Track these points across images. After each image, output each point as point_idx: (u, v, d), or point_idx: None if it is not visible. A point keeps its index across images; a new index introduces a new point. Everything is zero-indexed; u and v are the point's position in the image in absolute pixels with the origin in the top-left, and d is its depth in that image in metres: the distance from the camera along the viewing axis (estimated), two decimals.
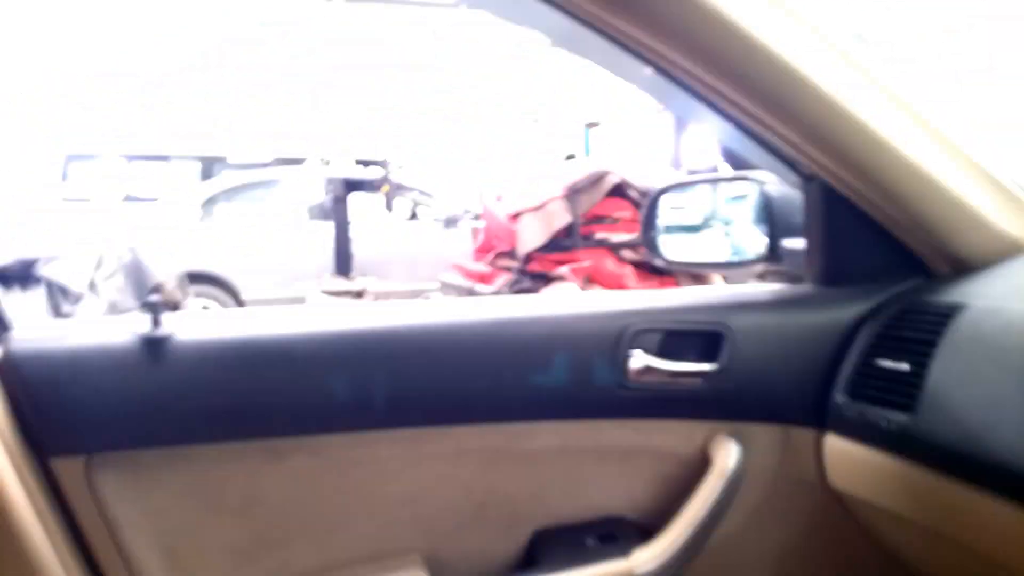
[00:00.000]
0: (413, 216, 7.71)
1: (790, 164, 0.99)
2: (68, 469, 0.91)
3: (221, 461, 0.97)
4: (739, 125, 0.92)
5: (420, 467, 1.03)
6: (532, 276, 4.70)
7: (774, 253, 1.12)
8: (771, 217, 1.12)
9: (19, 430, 0.87)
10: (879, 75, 0.85)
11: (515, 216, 4.80)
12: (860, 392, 0.93)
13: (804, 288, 1.06)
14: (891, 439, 0.87)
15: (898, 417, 0.85)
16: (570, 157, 10.37)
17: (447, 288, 5.47)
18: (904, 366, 0.87)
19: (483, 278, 5.07)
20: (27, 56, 13.05)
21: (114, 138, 10.81)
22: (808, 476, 1.03)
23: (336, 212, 6.63)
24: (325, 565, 1.02)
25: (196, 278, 6.04)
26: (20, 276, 3.72)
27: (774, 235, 1.12)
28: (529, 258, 4.68)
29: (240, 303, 6.53)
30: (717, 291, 1.11)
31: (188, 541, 0.98)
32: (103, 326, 0.97)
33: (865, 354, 0.95)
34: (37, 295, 3.70)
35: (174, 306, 4.40)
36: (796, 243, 1.08)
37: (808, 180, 1.00)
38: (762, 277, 1.30)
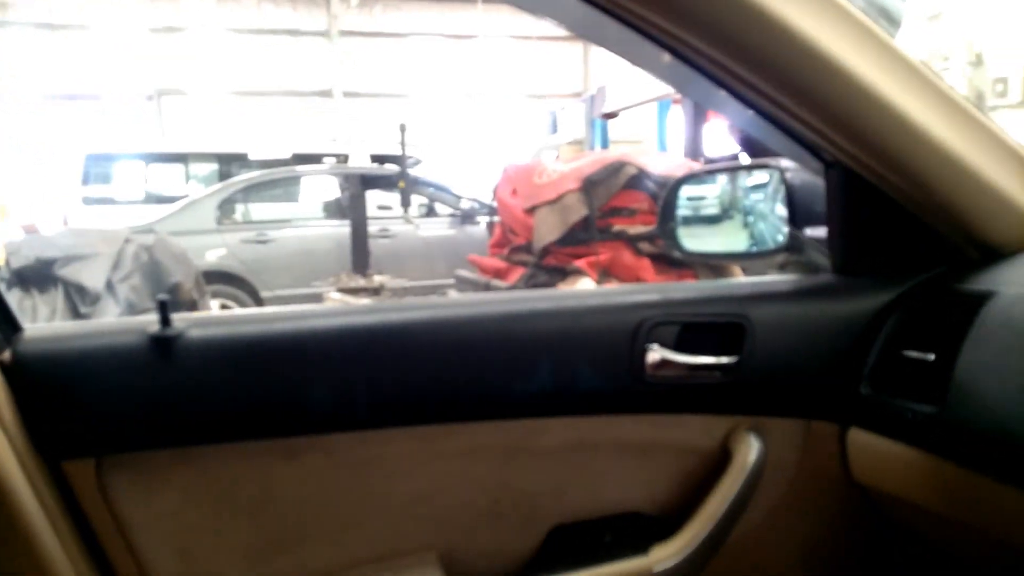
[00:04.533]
0: (430, 212, 7.70)
1: (811, 150, 0.96)
2: (79, 472, 0.90)
3: (233, 461, 0.95)
4: (759, 111, 0.89)
5: (434, 465, 1.01)
6: (548, 270, 4.66)
7: (795, 242, 1.09)
8: (792, 205, 1.10)
9: (29, 433, 0.87)
10: (904, 56, 0.82)
11: (531, 210, 4.76)
12: (885, 384, 0.91)
13: (826, 278, 1.03)
14: (917, 432, 0.85)
15: (925, 409, 0.83)
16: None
17: (463, 284, 5.45)
18: (931, 356, 0.85)
19: (499, 273, 5.05)
20: (43, 60, 13.22)
21: (133, 138, 10.92)
22: (831, 471, 1.00)
23: (352, 209, 6.63)
24: (340, 564, 1.01)
25: (214, 277, 6.08)
26: (38, 277, 3.74)
27: (795, 224, 1.09)
28: (545, 252, 4.64)
29: (259, 301, 6.57)
30: (736, 283, 1.08)
31: (200, 542, 0.97)
32: (112, 326, 0.96)
33: (890, 345, 0.92)
34: (54, 296, 3.72)
35: (191, 305, 4.42)
36: (818, 232, 1.05)
37: (830, 167, 0.97)
38: (783, 268, 1.27)
